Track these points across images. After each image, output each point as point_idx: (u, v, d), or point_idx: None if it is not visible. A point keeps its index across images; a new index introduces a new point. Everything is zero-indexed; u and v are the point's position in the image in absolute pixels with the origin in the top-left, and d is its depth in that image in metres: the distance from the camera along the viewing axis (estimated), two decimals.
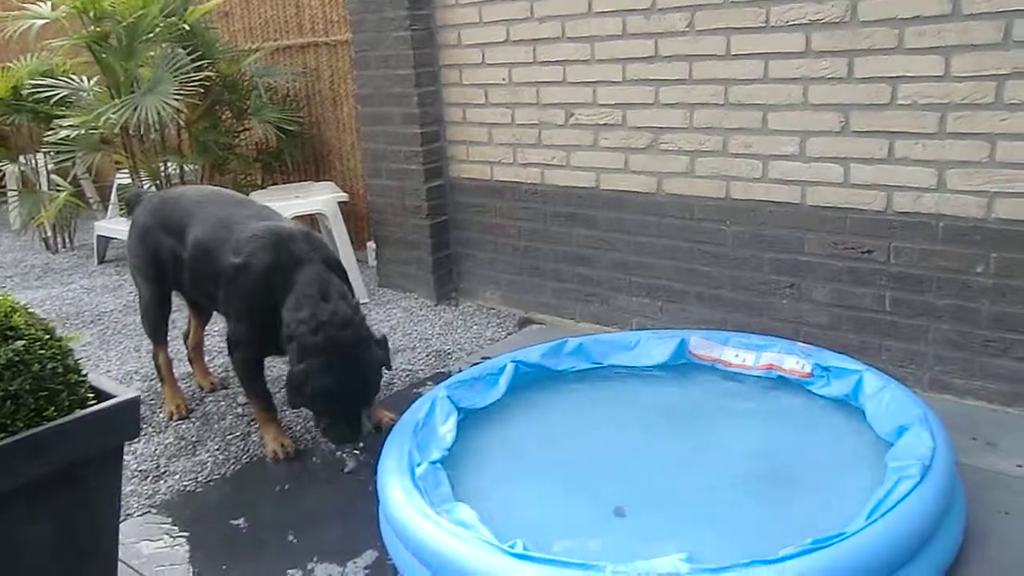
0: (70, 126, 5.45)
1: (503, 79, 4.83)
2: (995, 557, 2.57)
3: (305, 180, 6.62)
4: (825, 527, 2.32)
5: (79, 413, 2.30)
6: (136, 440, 3.71)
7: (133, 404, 2.43)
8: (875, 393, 3.19)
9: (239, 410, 4.02)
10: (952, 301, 3.53)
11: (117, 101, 5.20)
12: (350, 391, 3.24)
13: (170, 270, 3.75)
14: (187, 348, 4.36)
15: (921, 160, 3.49)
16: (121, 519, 2.98)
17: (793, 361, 3.54)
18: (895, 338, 3.72)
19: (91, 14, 5.23)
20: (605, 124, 4.45)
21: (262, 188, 6.53)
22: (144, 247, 3.82)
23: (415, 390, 4.05)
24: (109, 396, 2.41)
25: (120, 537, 2.64)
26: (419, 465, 2.89)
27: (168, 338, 4.09)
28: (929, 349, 3.64)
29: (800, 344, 3.66)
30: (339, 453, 3.54)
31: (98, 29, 5.27)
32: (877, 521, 2.33)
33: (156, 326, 3.98)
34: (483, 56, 4.89)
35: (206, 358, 4.43)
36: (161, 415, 4.00)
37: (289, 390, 3.27)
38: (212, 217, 3.59)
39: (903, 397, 3.08)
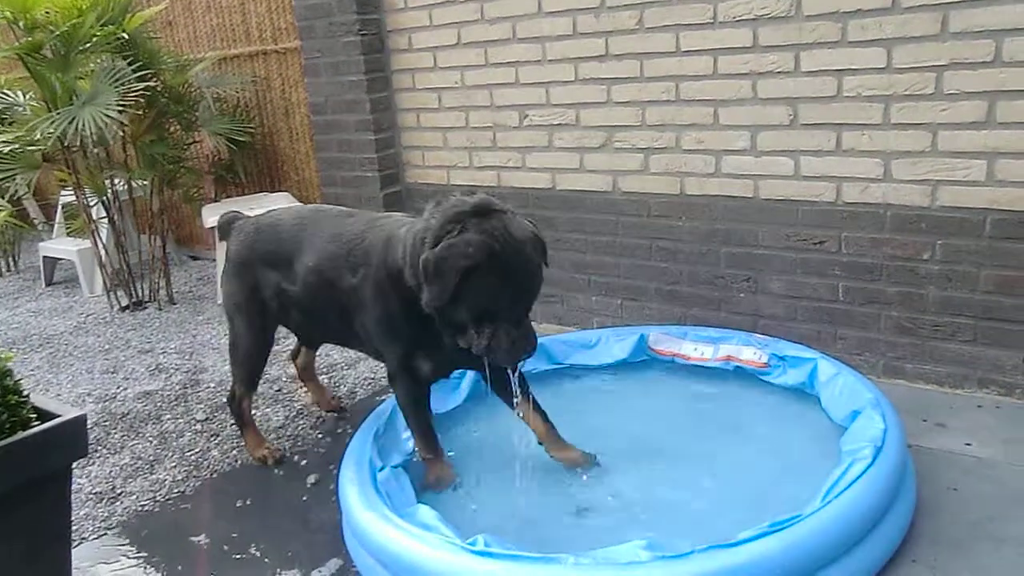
0: (4, 142, 5.27)
1: (456, 82, 4.84)
2: (944, 531, 2.64)
3: (260, 191, 6.51)
4: (782, 510, 2.35)
5: (22, 434, 2.26)
6: (90, 462, 3.65)
7: (79, 423, 2.39)
8: (829, 380, 3.27)
9: (198, 427, 3.96)
10: (901, 288, 3.61)
11: (53, 114, 5.02)
12: (519, 280, 2.67)
13: (275, 309, 3.34)
14: (296, 368, 4.01)
15: (868, 151, 3.56)
16: (76, 543, 2.93)
17: (750, 352, 3.59)
18: (849, 326, 3.78)
19: (22, 25, 5.03)
20: (559, 124, 4.47)
21: (216, 201, 6.45)
22: (242, 284, 3.37)
23: (377, 398, 4.03)
24: (53, 416, 2.36)
25: (75, 561, 2.59)
26: (381, 470, 2.90)
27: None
28: (881, 336, 3.70)
29: (757, 335, 3.71)
30: (303, 462, 3.52)
31: (31, 40, 5.03)
32: (831, 503, 2.38)
33: (253, 373, 3.54)
34: (435, 60, 4.90)
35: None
36: (115, 436, 3.93)
37: (430, 282, 2.56)
38: (318, 239, 3.12)
39: (855, 383, 3.15)
